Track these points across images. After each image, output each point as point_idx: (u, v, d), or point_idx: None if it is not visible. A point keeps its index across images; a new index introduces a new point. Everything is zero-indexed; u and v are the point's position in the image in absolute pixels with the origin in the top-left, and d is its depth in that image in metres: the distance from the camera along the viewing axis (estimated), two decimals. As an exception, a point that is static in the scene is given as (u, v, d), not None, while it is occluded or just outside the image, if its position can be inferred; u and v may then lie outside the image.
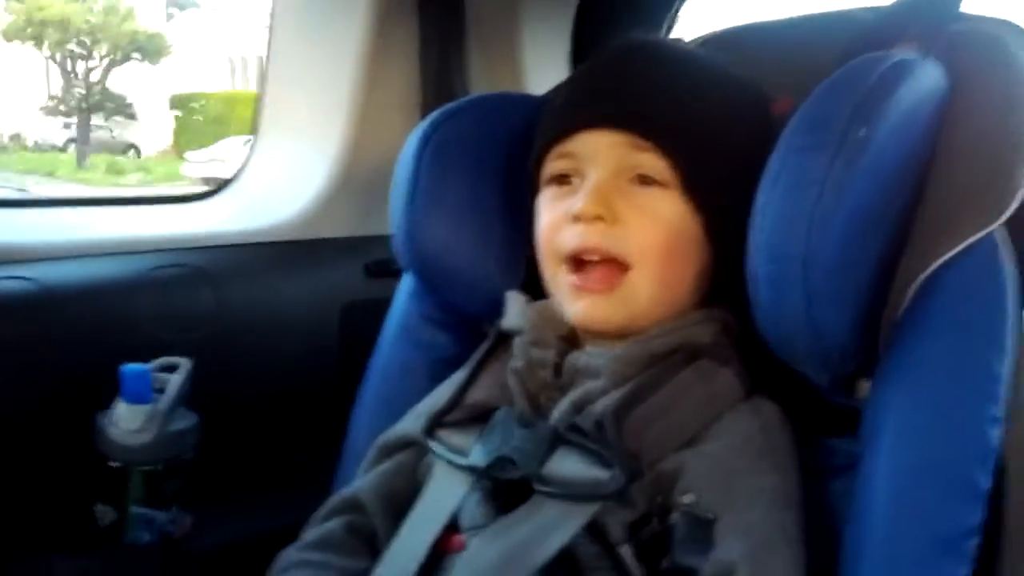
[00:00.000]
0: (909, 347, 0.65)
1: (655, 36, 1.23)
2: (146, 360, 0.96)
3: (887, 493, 0.62)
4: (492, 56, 1.31)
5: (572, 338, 0.76)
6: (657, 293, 0.72)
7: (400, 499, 0.76)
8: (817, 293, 0.63)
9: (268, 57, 1.31)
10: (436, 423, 0.76)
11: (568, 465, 0.67)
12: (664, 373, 0.70)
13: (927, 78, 0.68)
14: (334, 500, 0.80)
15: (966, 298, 0.64)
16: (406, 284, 0.97)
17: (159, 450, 0.94)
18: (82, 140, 6.22)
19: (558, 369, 0.74)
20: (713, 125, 0.73)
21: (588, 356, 0.73)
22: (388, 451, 0.81)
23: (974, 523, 0.60)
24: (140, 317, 1.06)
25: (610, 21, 1.34)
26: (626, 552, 0.64)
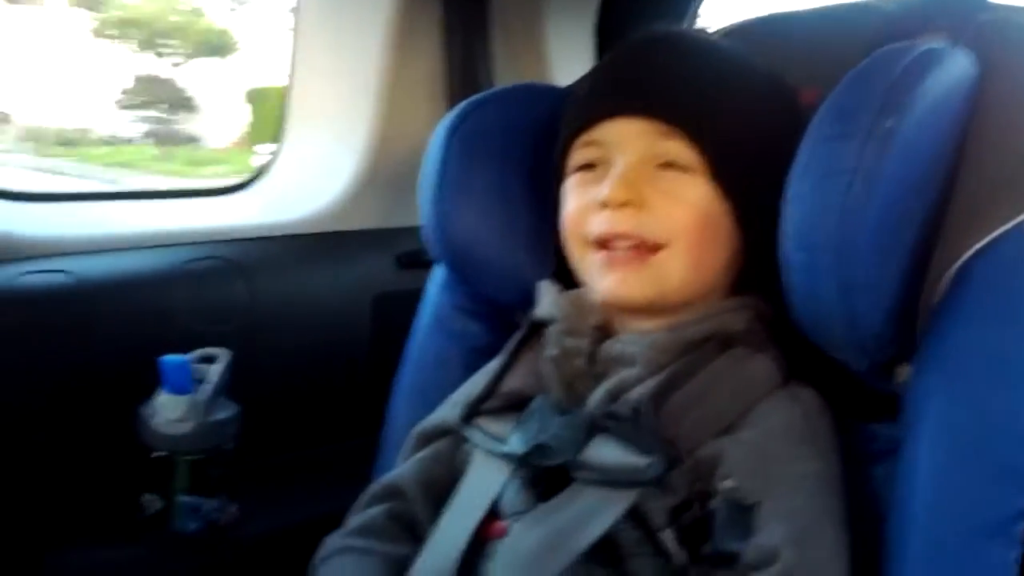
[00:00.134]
0: (945, 335, 0.65)
1: (678, 27, 1.24)
2: (181, 352, 0.98)
3: (931, 478, 0.62)
4: (517, 47, 1.31)
5: (605, 327, 0.76)
6: (689, 274, 0.72)
7: (439, 486, 0.77)
8: (850, 282, 0.63)
9: (294, 51, 1.31)
10: (473, 411, 0.76)
11: (606, 452, 0.67)
12: (699, 360, 0.70)
13: (956, 67, 0.67)
14: (375, 488, 0.81)
15: (998, 287, 0.64)
16: (438, 275, 0.98)
17: (201, 439, 0.96)
18: (162, 134, 6.42)
19: (592, 357, 0.74)
20: (737, 112, 0.73)
21: (622, 344, 0.73)
22: (426, 439, 0.81)
23: (1022, 506, 0.59)
24: (175, 309, 1.08)
25: (634, 12, 1.33)
26: (668, 537, 0.64)
